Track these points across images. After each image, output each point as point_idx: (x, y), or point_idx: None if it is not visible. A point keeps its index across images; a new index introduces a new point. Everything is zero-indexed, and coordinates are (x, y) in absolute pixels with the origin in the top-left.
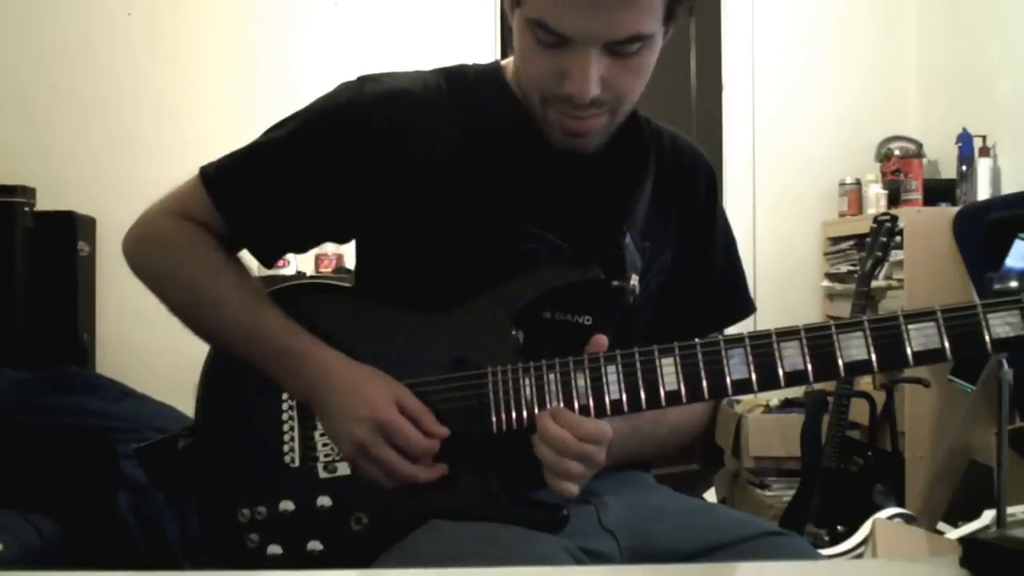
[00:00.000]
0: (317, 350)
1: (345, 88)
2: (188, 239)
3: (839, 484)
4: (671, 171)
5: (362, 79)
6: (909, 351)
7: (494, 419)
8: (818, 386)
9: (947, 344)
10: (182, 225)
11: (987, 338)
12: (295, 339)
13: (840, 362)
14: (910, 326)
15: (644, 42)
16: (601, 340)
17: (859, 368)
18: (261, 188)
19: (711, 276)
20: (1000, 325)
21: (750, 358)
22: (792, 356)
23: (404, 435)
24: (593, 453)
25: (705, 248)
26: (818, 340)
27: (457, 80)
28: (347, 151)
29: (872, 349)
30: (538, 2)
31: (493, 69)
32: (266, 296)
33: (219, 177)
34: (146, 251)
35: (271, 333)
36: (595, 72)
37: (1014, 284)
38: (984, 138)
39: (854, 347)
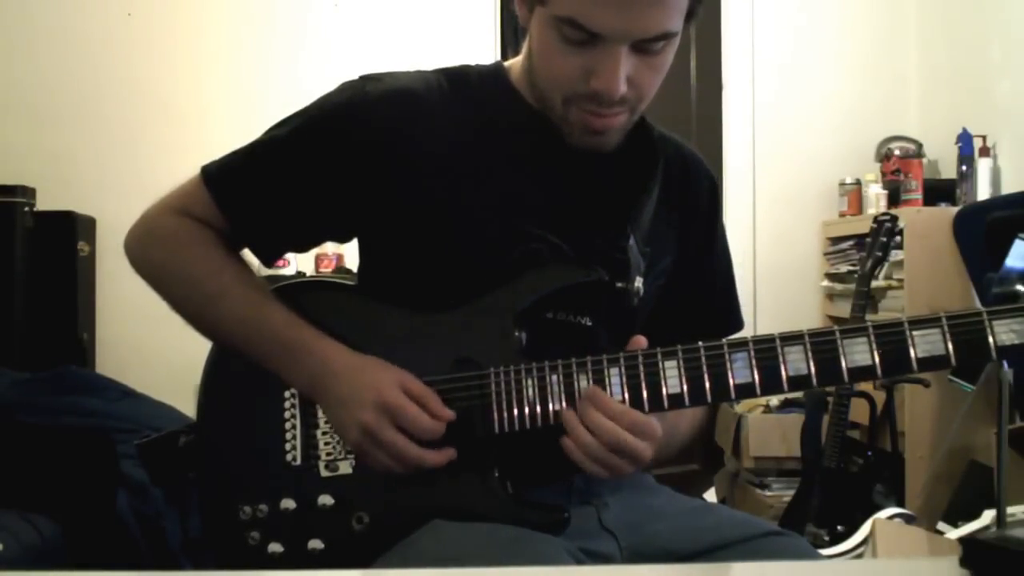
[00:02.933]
0: (320, 342)
1: (347, 87)
2: (189, 236)
3: (839, 484)
4: (674, 178)
5: (364, 78)
6: (913, 357)
7: (496, 419)
8: None
9: (952, 351)
10: (183, 223)
11: (992, 345)
12: (298, 332)
13: (844, 367)
14: (915, 332)
15: (668, 40)
16: (640, 340)
17: (863, 374)
18: (262, 186)
19: (707, 286)
20: (1005, 332)
21: (753, 362)
22: (796, 361)
23: (411, 417)
24: (641, 450)
25: (703, 258)
26: (822, 345)
27: (459, 80)
28: (349, 150)
29: (876, 355)
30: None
31: (496, 69)
32: (268, 291)
33: (220, 175)
34: (147, 249)
35: (274, 326)
36: (624, 70)
37: (1020, 288)
38: (984, 138)
39: (858, 352)
